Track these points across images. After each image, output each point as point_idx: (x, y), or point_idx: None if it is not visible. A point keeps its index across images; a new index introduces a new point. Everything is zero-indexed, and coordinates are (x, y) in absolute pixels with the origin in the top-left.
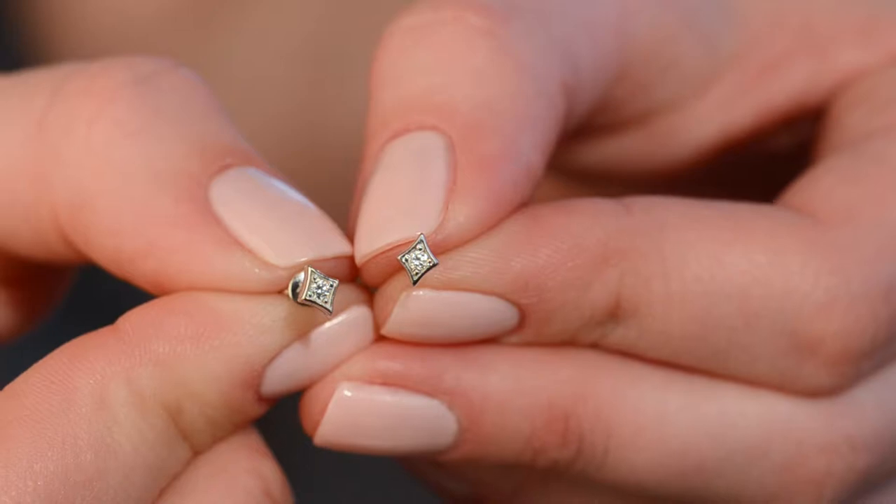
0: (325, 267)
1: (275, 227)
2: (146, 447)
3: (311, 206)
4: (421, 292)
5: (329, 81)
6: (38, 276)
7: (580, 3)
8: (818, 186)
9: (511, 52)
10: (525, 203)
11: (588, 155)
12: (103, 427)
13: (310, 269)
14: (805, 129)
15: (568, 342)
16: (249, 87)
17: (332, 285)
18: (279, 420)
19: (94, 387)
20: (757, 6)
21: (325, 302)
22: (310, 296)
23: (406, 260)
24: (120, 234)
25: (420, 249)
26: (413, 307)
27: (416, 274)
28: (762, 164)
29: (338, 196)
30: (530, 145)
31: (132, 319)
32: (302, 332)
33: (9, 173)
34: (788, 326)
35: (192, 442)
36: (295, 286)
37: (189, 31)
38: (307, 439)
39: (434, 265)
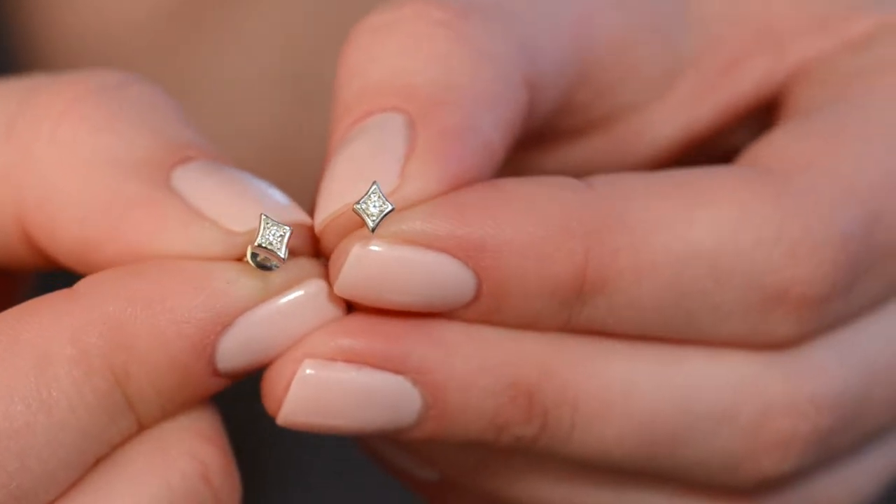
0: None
1: (233, 199)
2: (84, 409)
3: (273, 189)
4: (374, 245)
5: (309, 95)
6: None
7: (540, 5)
8: (773, 145)
9: (470, 40)
10: (485, 179)
11: (552, 160)
12: (41, 382)
13: (263, 216)
14: (763, 123)
15: (532, 325)
16: (231, 98)
17: (284, 232)
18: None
19: (36, 341)
20: (715, 7)
21: (278, 248)
22: (261, 241)
23: (361, 208)
24: (85, 221)
25: (375, 195)
26: (366, 262)
27: (373, 219)
28: (723, 160)
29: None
30: (490, 123)
31: (88, 281)
32: (257, 300)
33: None
34: (758, 279)
35: (139, 413)
36: (254, 254)
37: (174, 40)
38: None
39: (390, 210)
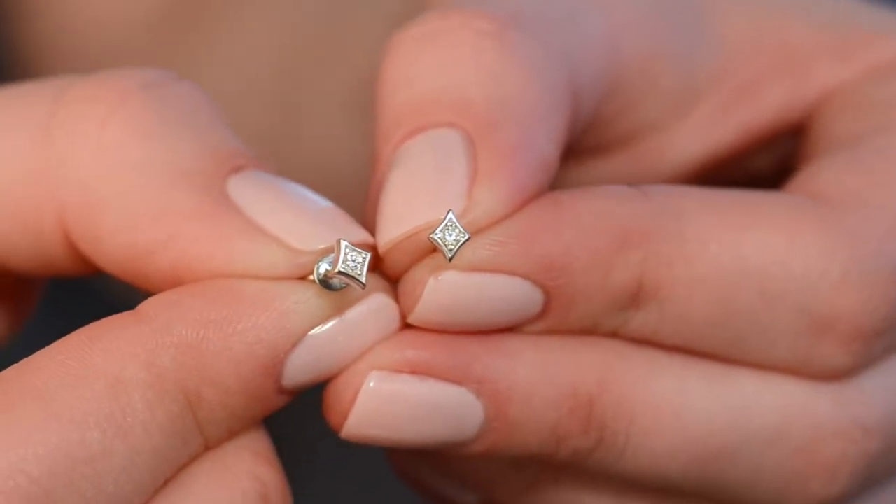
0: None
1: (296, 216)
2: (159, 433)
3: (328, 202)
4: (449, 275)
5: (301, 101)
6: (23, 285)
7: (576, 17)
8: (823, 176)
9: (518, 53)
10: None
11: (576, 177)
12: (116, 407)
13: (343, 242)
14: (784, 147)
15: (590, 330)
16: (224, 101)
17: (364, 258)
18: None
19: (110, 366)
20: (735, 27)
21: (359, 274)
22: (344, 268)
23: (439, 237)
24: (135, 229)
25: (451, 225)
26: (442, 290)
27: (451, 250)
28: (744, 184)
29: None
30: (545, 137)
31: (154, 303)
32: (325, 319)
33: (10, 182)
34: (806, 306)
35: (207, 434)
36: (319, 272)
37: (171, 40)
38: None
39: (467, 240)
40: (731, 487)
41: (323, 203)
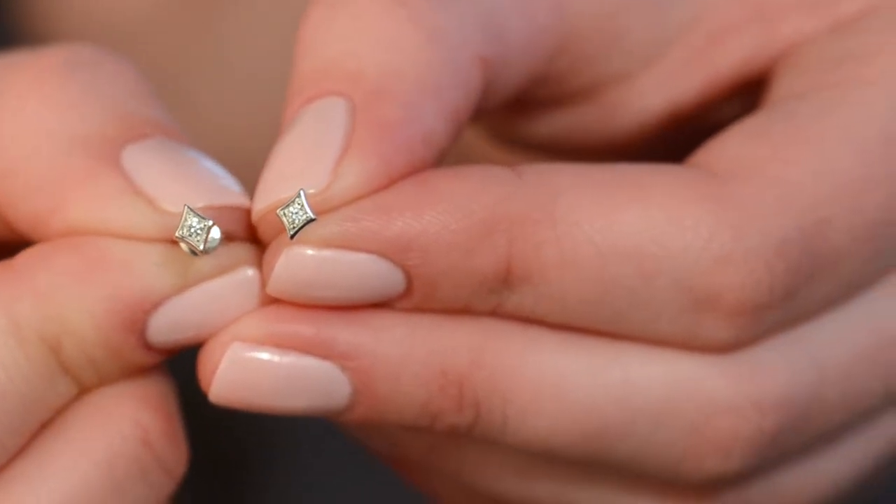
0: (221, 220)
1: (176, 180)
2: (21, 377)
3: (222, 171)
4: (301, 250)
5: None
6: None
7: None
8: (726, 145)
9: (423, 22)
10: (424, 169)
11: (537, 127)
12: None
13: (186, 206)
14: (750, 99)
15: (463, 310)
16: (228, 90)
17: (205, 225)
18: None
19: None
20: None
21: (198, 241)
22: (182, 233)
23: (283, 214)
24: (36, 194)
25: (298, 205)
26: (294, 265)
27: (293, 228)
28: (709, 135)
29: None
30: (433, 113)
31: (25, 254)
32: (188, 283)
33: None
34: (686, 282)
35: (77, 378)
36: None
37: (175, 34)
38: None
39: (310, 220)
40: (622, 462)
41: (216, 171)
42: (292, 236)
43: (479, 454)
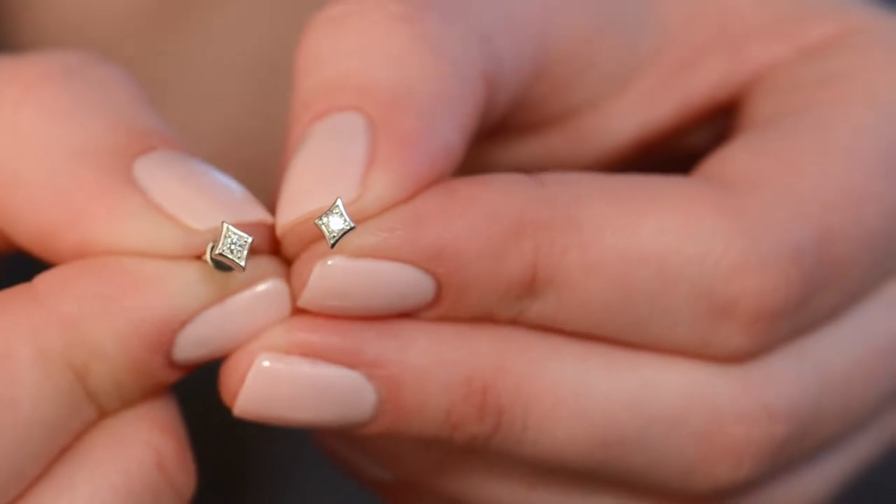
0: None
1: (196, 196)
2: (48, 407)
3: (234, 184)
4: (336, 261)
5: (280, 88)
6: None
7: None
8: (728, 159)
9: (429, 37)
10: (444, 179)
11: (508, 154)
12: (4, 382)
13: (225, 224)
14: (720, 125)
15: (486, 318)
16: (206, 90)
17: (246, 241)
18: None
19: None
20: (673, 6)
21: (239, 257)
22: (223, 250)
23: (323, 224)
24: (43, 207)
25: (337, 213)
26: (329, 276)
27: (333, 237)
28: (680, 161)
29: None
30: (448, 124)
31: (46, 278)
32: (216, 299)
33: None
34: (705, 288)
35: (100, 403)
36: (213, 251)
37: (152, 35)
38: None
39: (351, 229)
40: (635, 472)
41: (230, 185)
42: (333, 245)
43: (486, 469)
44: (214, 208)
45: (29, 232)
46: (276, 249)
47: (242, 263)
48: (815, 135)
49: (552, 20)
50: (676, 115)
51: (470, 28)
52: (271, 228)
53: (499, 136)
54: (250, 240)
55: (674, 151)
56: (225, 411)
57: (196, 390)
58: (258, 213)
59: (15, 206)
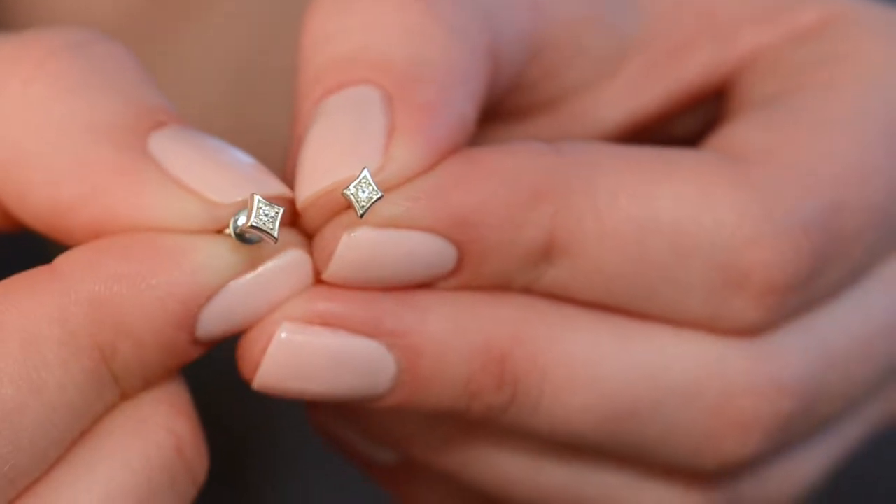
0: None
1: (215, 170)
2: (73, 389)
3: (248, 157)
4: (363, 231)
5: (270, 97)
6: None
7: None
8: (737, 134)
9: (440, 14)
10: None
11: (500, 139)
12: (30, 364)
13: (256, 196)
14: (709, 111)
15: (503, 286)
16: (191, 94)
17: (277, 212)
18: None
19: (24, 324)
20: None
21: (272, 229)
22: (255, 222)
23: (352, 193)
24: (58, 184)
25: (365, 183)
26: (355, 246)
27: (363, 207)
28: (669, 147)
29: None
30: (463, 97)
31: (69, 258)
32: (239, 273)
33: None
34: (718, 260)
35: (123, 385)
36: (236, 225)
37: (137, 38)
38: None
39: (380, 198)
40: (645, 445)
41: (244, 158)
42: (362, 215)
43: (493, 446)
44: (234, 182)
45: (40, 209)
46: (293, 223)
47: (275, 234)
48: (819, 112)
49: (544, 5)
50: (666, 101)
51: (476, 5)
52: (290, 202)
53: (491, 121)
54: (282, 211)
55: (663, 137)
56: (228, 402)
57: (200, 381)
58: (277, 187)
59: (24, 183)
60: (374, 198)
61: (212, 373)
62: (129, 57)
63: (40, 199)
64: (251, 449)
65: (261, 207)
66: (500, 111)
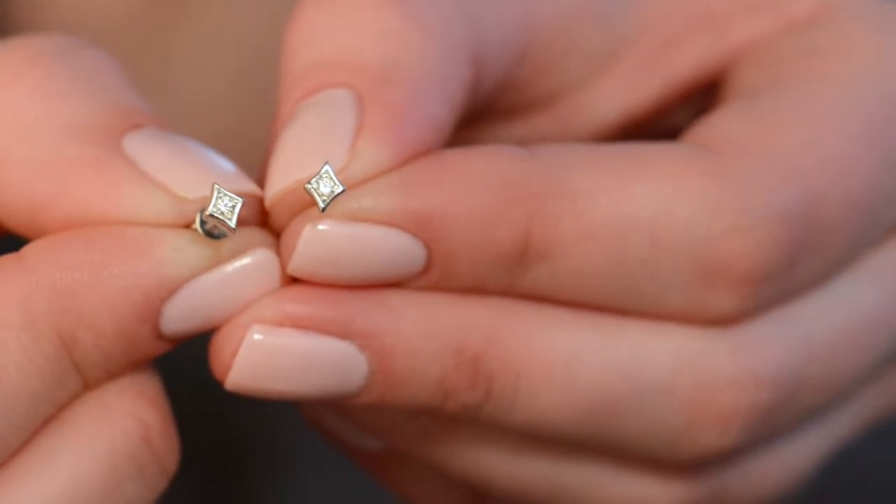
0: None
1: (184, 167)
2: (34, 374)
3: (223, 159)
4: (326, 225)
5: (270, 97)
6: None
7: None
8: (714, 125)
9: (416, 16)
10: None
11: (494, 138)
12: None
13: (216, 186)
14: (703, 104)
15: (477, 288)
16: (190, 93)
17: (235, 203)
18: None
19: None
20: None
21: (229, 218)
22: (213, 211)
23: (313, 188)
24: (32, 181)
25: (326, 177)
26: (318, 241)
27: (324, 200)
28: (665, 140)
29: None
30: (436, 100)
31: (35, 246)
32: (205, 268)
33: None
34: (695, 252)
35: (85, 374)
36: (201, 220)
37: (135, 37)
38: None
39: (342, 192)
40: (625, 438)
41: (221, 161)
42: (324, 209)
43: (474, 437)
44: (204, 179)
45: (16, 208)
46: (265, 223)
47: (233, 224)
48: (800, 102)
49: (535, 2)
50: (661, 95)
51: (457, 9)
52: (260, 201)
53: (484, 120)
54: (241, 201)
55: (658, 131)
56: (225, 400)
57: (199, 380)
58: (247, 185)
59: (2, 183)
60: (336, 192)
61: (211, 372)
62: (110, 63)
63: (16, 198)
64: (251, 449)
65: (220, 198)
66: (496, 110)
